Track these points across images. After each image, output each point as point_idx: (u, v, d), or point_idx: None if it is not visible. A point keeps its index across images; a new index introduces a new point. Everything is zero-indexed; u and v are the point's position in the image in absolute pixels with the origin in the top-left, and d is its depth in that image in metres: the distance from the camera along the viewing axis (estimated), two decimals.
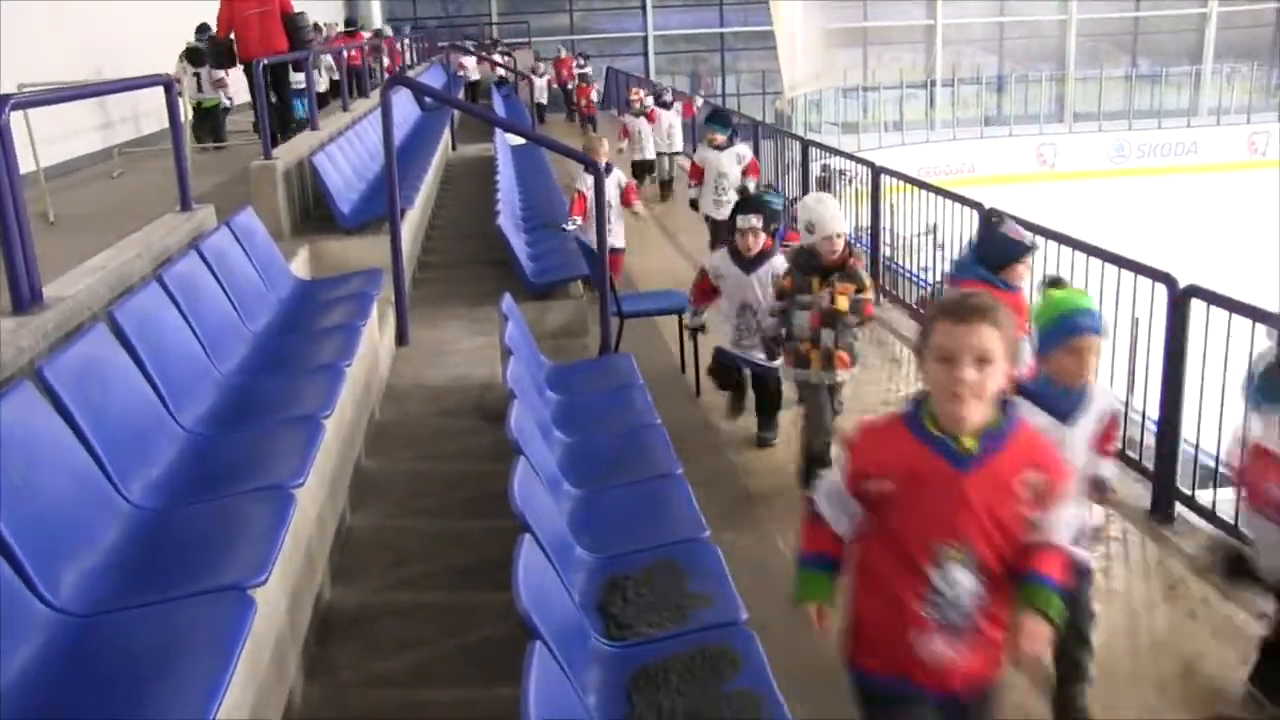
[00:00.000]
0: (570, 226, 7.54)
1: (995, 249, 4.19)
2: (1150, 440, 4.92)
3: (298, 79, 10.87)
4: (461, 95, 20.71)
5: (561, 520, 3.35)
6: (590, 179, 6.65)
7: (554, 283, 7.15)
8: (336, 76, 13.42)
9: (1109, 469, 3.10)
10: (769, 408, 5.65)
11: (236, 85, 10.85)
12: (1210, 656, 3.78)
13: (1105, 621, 3.62)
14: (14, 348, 3.20)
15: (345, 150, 8.69)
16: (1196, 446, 4.78)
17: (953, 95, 28.60)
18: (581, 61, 21.64)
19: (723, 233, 7.54)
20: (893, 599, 2.31)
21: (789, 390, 5.51)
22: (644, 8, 31.05)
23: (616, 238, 7.70)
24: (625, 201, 7.97)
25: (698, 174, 9.28)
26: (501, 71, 22.02)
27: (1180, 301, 4.51)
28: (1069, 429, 2.91)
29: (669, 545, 3.25)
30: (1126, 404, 4.87)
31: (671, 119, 13.65)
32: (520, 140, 11.63)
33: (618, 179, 7.82)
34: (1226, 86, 28.84)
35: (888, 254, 8.80)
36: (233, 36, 9.37)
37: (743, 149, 9.45)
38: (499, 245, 7.46)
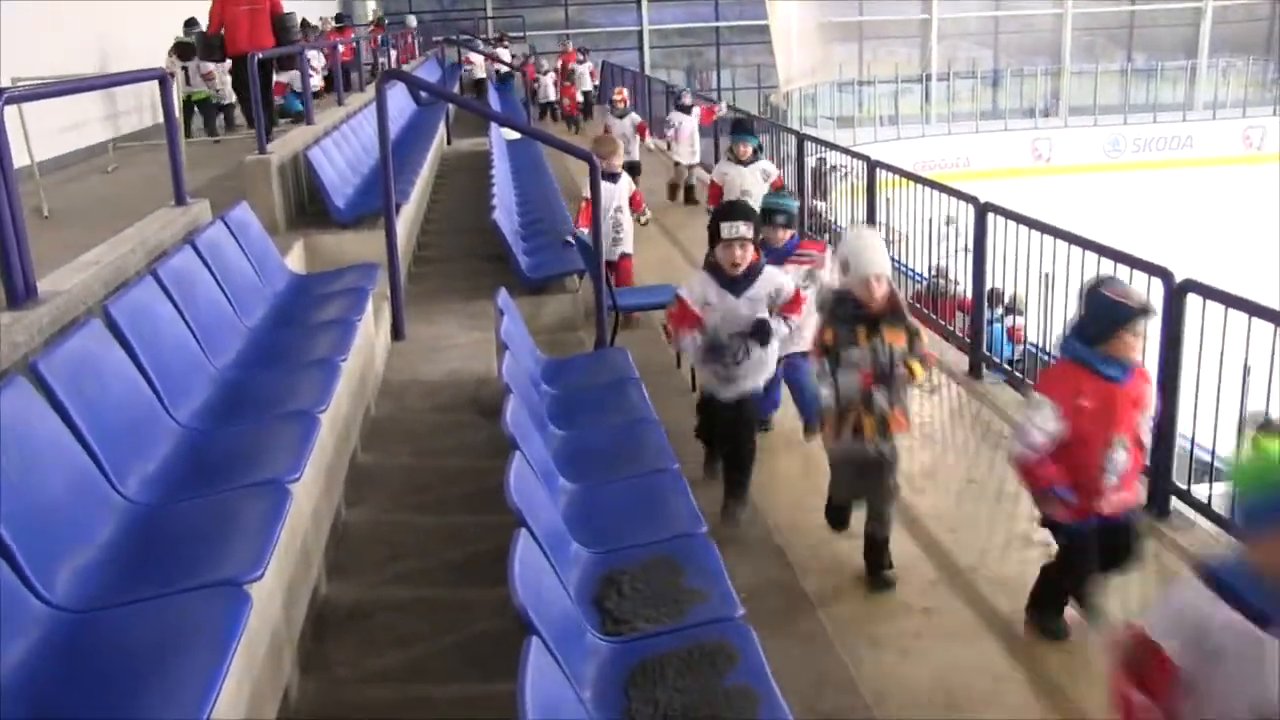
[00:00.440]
0: (573, 240, 7.34)
1: (1092, 316, 3.37)
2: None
3: (282, 76, 11.24)
4: (458, 90, 20.62)
5: (557, 515, 3.35)
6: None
7: (549, 277, 7.15)
8: (320, 75, 13.36)
9: None
10: (744, 462, 4.47)
11: (221, 80, 10.96)
12: None
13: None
14: (8, 343, 3.19)
15: (340, 145, 8.69)
16: (1192, 441, 4.78)
17: (948, 90, 28.54)
18: (581, 57, 21.50)
19: None
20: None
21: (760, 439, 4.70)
22: (639, 2, 30.98)
23: (626, 243, 7.56)
24: (633, 206, 7.81)
25: (716, 195, 7.99)
26: (502, 67, 21.88)
27: (1176, 296, 4.51)
28: (1272, 640, 1.98)
29: (665, 540, 3.25)
30: None
31: (691, 125, 12.40)
32: (516, 135, 11.61)
33: (627, 185, 7.58)
34: (1222, 81, 28.86)
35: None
36: (223, 32, 9.46)
37: (768, 165, 8.39)
38: (494, 240, 7.46)
